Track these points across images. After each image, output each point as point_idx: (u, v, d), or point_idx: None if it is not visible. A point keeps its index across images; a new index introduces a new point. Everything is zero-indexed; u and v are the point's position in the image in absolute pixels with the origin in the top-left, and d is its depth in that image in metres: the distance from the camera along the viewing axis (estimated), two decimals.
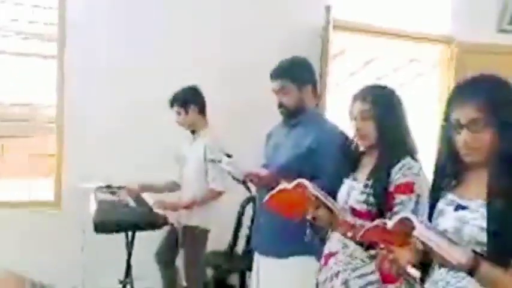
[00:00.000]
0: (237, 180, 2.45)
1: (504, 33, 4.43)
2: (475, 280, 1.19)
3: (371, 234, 1.36)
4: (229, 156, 2.43)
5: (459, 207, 1.30)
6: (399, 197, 1.68)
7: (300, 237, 2.11)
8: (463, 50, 4.27)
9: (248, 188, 2.85)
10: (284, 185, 1.74)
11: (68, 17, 3.45)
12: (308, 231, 1.89)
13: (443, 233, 1.21)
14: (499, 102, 1.25)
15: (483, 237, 1.21)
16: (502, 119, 1.24)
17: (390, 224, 1.24)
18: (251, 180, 2.30)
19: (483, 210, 1.23)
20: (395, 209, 1.67)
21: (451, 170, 1.36)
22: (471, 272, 1.16)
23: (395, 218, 1.23)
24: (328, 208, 1.68)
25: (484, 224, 1.21)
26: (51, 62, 3.56)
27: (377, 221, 1.34)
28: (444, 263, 1.21)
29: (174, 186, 3.32)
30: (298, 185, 1.68)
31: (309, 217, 1.72)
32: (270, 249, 2.28)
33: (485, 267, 1.16)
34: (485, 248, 1.20)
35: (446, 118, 1.34)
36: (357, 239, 1.48)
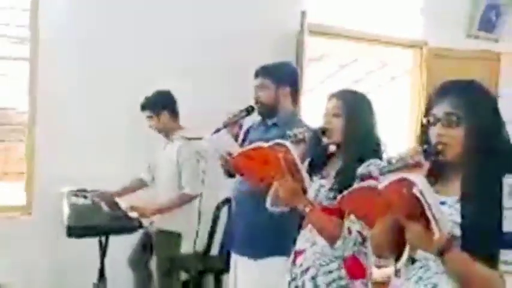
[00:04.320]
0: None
1: (473, 39, 4.54)
2: (443, 264, 1.21)
3: (351, 199, 1.30)
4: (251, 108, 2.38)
5: None
6: None
7: (277, 238, 2.15)
8: (434, 55, 4.37)
9: (228, 172, 2.42)
10: (259, 144, 1.75)
11: (41, 19, 3.40)
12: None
13: (436, 202, 1.19)
14: (474, 102, 1.30)
15: (458, 232, 1.23)
16: (476, 118, 1.28)
17: (382, 184, 1.19)
18: (225, 161, 2.24)
19: (458, 206, 1.26)
20: None
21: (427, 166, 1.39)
22: (443, 252, 1.18)
23: (390, 178, 1.19)
24: (298, 179, 1.69)
25: (459, 219, 1.24)
26: (23, 65, 3.50)
27: (361, 184, 1.33)
28: (419, 240, 1.20)
29: (141, 184, 3.32)
30: (276, 146, 1.68)
31: (274, 185, 1.74)
32: (246, 250, 2.31)
33: (457, 251, 1.19)
34: (459, 243, 1.23)
35: (426, 116, 1.38)
36: (338, 201, 1.44)
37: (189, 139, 2.98)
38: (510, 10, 4.51)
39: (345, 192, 1.32)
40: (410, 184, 1.14)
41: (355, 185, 1.31)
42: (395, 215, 1.24)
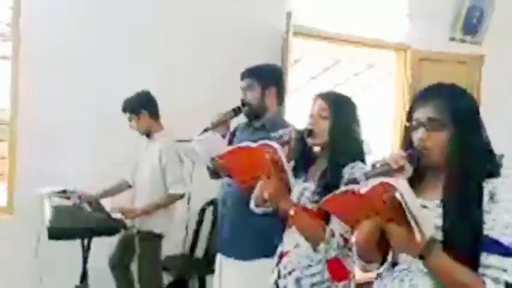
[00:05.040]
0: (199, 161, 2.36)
1: (456, 42, 4.60)
2: (426, 266, 1.22)
3: (335, 201, 1.31)
4: (239, 109, 2.38)
5: None
6: None
7: (264, 239, 2.13)
8: (418, 58, 4.41)
9: (213, 174, 2.39)
10: (247, 143, 1.75)
11: (23, 17, 3.35)
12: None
13: (418, 206, 1.19)
14: (457, 107, 1.30)
15: (439, 235, 1.24)
16: (459, 123, 1.29)
17: (365, 188, 1.20)
18: (213, 163, 2.22)
19: (440, 210, 1.27)
20: None
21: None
22: (424, 254, 1.19)
23: (372, 182, 1.20)
24: (283, 180, 1.70)
25: (440, 223, 1.25)
26: (5, 63, 3.45)
27: (345, 187, 1.34)
28: (402, 243, 1.21)
29: (124, 186, 3.30)
30: (264, 146, 1.68)
31: (259, 185, 1.74)
32: (233, 251, 2.31)
33: (440, 254, 1.20)
34: (440, 246, 1.23)
35: (409, 119, 1.39)
36: (320, 204, 1.42)
37: (178, 141, 2.95)
38: (492, 14, 4.58)
39: (329, 195, 1.33)
40: (392, 188, 1.16)
41: (340, 188, 1.32)
42: (378, 219, 1.25)
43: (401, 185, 1.16)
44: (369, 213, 1.26)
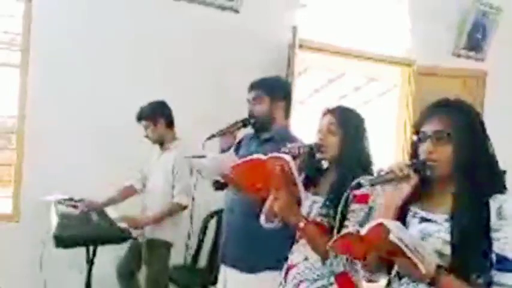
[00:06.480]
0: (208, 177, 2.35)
1: (459, 58, 4.64)
2: None
3: (342, 242, 1.35)
4: (248, 121, 2.39)
5: (423, 219, 1.36)
6: (353, 206, 1.71)
7: (272, 251, 2.11)
8: (421, 73, 4.45)
9: (219, 186, 2.38)
10: (257, 155, 1.75)
11: (33, 27, 3.39)
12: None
13: (415, 240, 1.23)
14: (463, 121, 1.33)
15: (447, 250, 1.26)
16: (465, 137, 1.32)
17: (364, 230, 1.24)
18: (223, 183, 2.24)
19: (447, 224, 1.29)
20: (347, 216, 1.71)
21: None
22: (432, 282, 1.22)
23: (370, 224, 1.24)
24: (294, 193, 1.71)
25: (448, 237, 1.27)
26: (13, 71, 3.49)
27: (348, 229, 1.36)
28: (408, 272, 1.24)
29: (131, 191, 3.30)
30: (275, 159, 1.69)
31: (269, 199, 1.75)
32: (241, 263, 2.28)
33: (446, 279, 1.22)
34: (448, 261, 1.26)
35: (416, 133, 1.41)
36: (329, 246, 1.45)
37: (192, 157, 2.94)
38: (496, 30, 4.62)
39: (335, 237, 1.37)
40: (386, 230, 1.19)
41: (344, 231, 1.37)
42: (381, 254, 1.29)
43: (393, 226, 1.19)
44: (372, 250, 1.31)
